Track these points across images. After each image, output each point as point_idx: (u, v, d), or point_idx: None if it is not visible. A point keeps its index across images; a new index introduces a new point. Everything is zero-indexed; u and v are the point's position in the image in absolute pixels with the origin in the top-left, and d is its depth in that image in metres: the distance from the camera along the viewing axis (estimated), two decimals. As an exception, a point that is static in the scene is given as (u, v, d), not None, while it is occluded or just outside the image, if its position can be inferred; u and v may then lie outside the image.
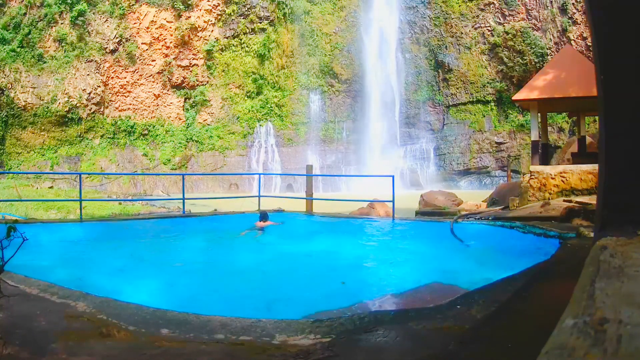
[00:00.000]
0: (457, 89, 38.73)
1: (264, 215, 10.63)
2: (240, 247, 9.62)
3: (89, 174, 31.91)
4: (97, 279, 6.52)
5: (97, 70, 39.08)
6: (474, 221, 9.68)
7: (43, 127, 37.27)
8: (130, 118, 40.03)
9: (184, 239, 10.15)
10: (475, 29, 38.15)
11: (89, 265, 7.64)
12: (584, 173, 11.72)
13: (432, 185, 33.81)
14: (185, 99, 41.50)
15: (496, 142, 36.65)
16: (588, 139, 17.33)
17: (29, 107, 36.81)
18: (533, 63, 35.29)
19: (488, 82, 37.56)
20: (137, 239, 9.84)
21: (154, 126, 40.44)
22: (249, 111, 40.83)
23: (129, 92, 40.25)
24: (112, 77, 39.81)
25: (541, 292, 3.77)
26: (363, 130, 39.86)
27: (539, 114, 14.90)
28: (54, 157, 37.30)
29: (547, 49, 35.43)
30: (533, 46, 35.73)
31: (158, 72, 40.70)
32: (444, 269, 7.26)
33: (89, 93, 38.50)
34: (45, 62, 37.79)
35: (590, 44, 27.74)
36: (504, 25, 37.05)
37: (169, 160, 39.24)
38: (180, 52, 40.81)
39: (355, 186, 36.52)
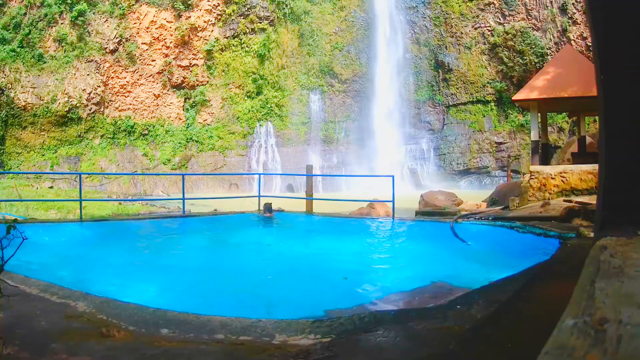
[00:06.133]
0: (457, 89, 38.73)
1: (268, 208, 11.74)
2: (240, 247, 9.62)
3: (89, 174, 31.92)
4: (97, 279, 6.52)
5: (97, 70, 39.06)
6: (473, 221, 9.67)
7: (43, 127, 37.24)
8: (130, 118, 40.01)
9: (184, 239, 10.15)
10: (475, 29, 38.15)
11: (89, 265, 7.64)
12: (584, 173, 11.72)
13: (432, 185, 33.77)
14: (185, 99, 41.49)
15: (496, 142, 36.65)
16: (588, 139, 17.32)
17: (29, 107, 36.79)
18: (533, 63, 35.28)
19: (488, 82, 37.55)
20: (137, 239, 9.84)
21: (154, 126, 40.42)
22: (249, 111, 40.82)
23: (129, 92, 40.24)
24: (112, 77, 39.79)
25: (541, 292, 3.76)
26: (363, 130, 39.86)
27: (539, 114, 14.91)
28: (54, 157, 37.27)
29: (547, 49, 35.41)
30: (533, 46, 35.72)
31: (158, 72, 40.69)
32: (443, 269, 7.26)
33: (89, 93, 38.48)
34: (45, 62, 37.76)
35: (590, 44, 27.71)
36: (504, 25, 37.04)
37: (169, 160, 39.23)
38: (180, 52, 40.80)
39: (356, 186, 36.50)
